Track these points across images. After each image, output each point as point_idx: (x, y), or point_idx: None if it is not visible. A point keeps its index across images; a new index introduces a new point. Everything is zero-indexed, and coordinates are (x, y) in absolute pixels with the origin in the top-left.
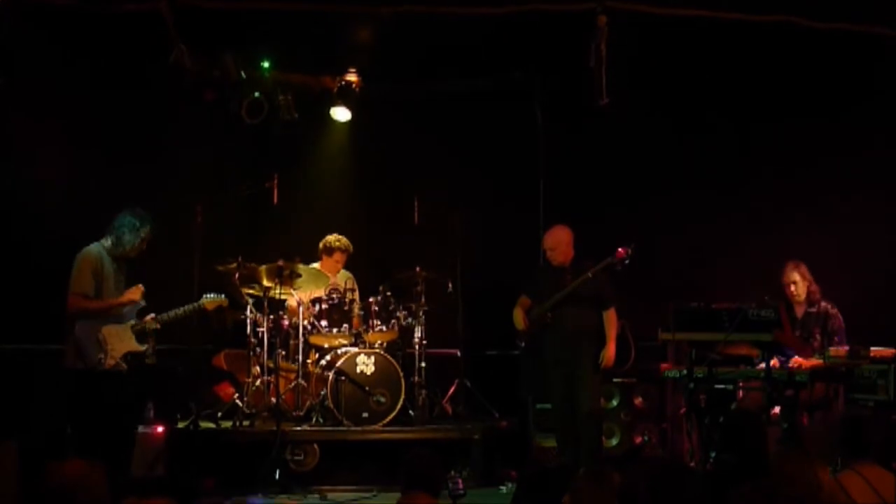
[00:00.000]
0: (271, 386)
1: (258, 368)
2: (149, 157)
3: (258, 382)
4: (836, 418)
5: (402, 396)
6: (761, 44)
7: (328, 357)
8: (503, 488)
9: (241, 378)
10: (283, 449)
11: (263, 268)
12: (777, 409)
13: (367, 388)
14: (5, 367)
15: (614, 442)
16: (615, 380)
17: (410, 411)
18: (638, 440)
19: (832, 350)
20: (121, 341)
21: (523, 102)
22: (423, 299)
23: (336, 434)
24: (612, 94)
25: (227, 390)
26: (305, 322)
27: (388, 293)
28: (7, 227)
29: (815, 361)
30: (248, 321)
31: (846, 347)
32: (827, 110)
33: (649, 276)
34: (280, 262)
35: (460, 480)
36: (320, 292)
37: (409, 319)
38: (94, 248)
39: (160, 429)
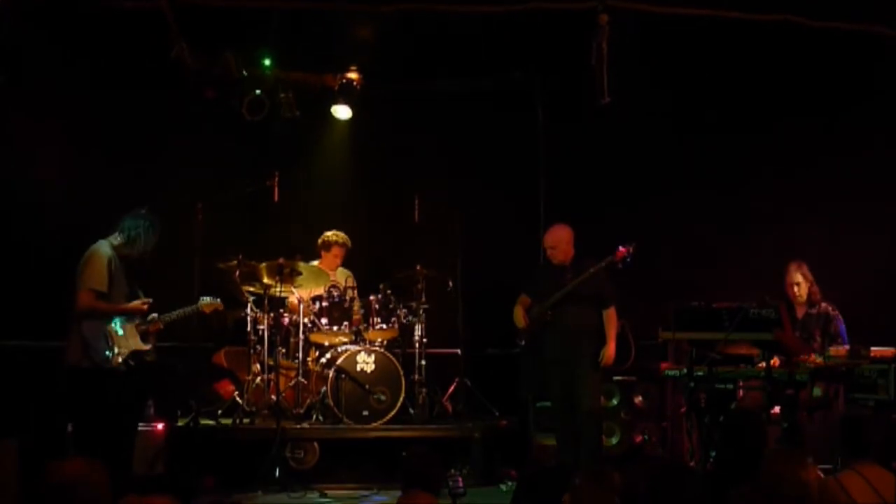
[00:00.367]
0: (271, 384)
1: (258, 366)
2: (149, 155)
3: (258, 380)
4: (836, 418)
5: (403, 395)
6: (761, 43)
7: (328, 355)
8: (503, 487)
9: (241, 376)
10: (283, 447)
11: (264, 265)
12: (777, 409)
13: (367, 387)
14: (5, 365)
15: (614, 441)
16: (615, 379)
17: (410, 410)
18: (638, 439)
19: (832, 350)
20: (126, 339)
21: (524, 101)
22: (423, 297)
23: (336, 432)
24: (612, 94)
25: (228, 388)
26: (306, 320)
27: (389, 291)
28: (7, 226)
29: (818, 362)
30: (249, 319)
31: (846, 347)
32: (827, 110)
33: (649, 275)
34: (280, 260)
35: (460, 479)
36: (321, 290)
37: (410, 318)
38: (104, 245)
39: (160, 426)
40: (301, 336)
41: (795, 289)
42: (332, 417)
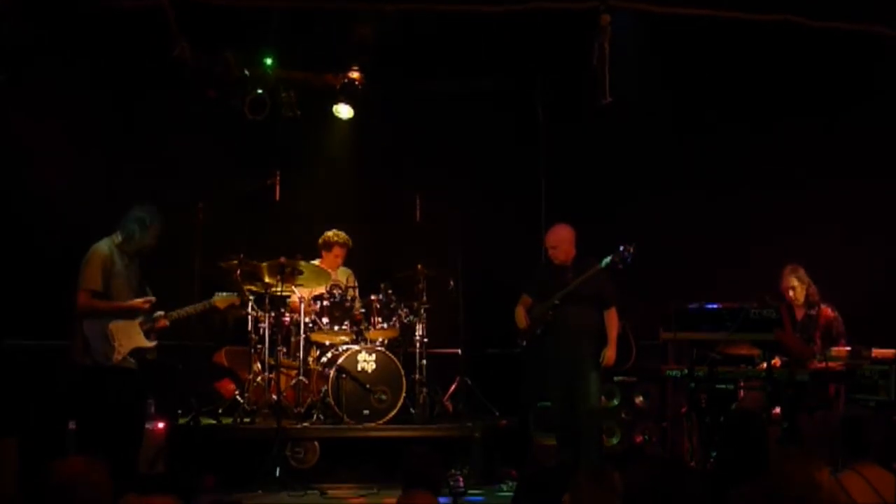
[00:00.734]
0: (272, 383)
1: (259, 365)
2: (150, 154)
3: (259, 379)
4: (836, 418)
5: (403, 394)
6: (762, 43)
7: (329, 354)
8: (503, 487)
9: (242, 375)
10: (284, 446)
11: (265, 265)
12: (777, 409)
13: (367, 386)
14: (6, 364)
15: (615, 441)
16: (616, 379)
17: (411, 409)
18: (638, 439)
19: (833, 350)
20: (128, 337)
21: (524, 101)
22: (424, 297)
23: (337, 431)
24: (613, 94)
25: (228, 387)
26: (307, 319)
27: (390, 291)
28: (9, 225)
29: (819, 364)
30: (250, 318)
31: (847, 348)
32: (827, 110)
33: (650, 275)
34: (282, 259)
35: (461, 479)
36: (322, 289)
37: (411, 317)
38: (104, 244)
39: (161, 425)
40: (302, 335)
41: (791, 293)
42: (332, 417)
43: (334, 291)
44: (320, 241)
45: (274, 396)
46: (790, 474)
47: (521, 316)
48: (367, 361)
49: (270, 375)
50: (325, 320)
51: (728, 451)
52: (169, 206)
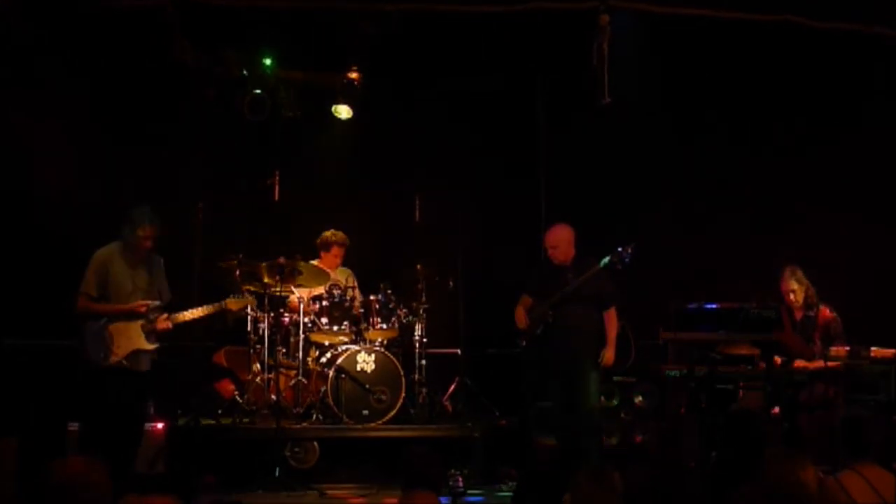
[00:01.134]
0: (271, 383)
1: (258, 365)
2: (150, 154)
3: (258, 379)
4: (836, 418)
5: (403, 394)
6: (762, 43)
7: (328, 354)
8: (503, 487)
9: (241, 375)
10: (283, 446)
11: (264, 265)
12: (777, 409)
13: (367, 386)
14: (6, 364)
15: (614, 441)
16: (616, 379)
17: (410, 409)
18: (638, 439)
19: (833, 350)
20: (128, 339)
21: (525, 101)
22: (423, 297)
23: (336, 432)
24: (613, 94)
25: (228, 387)
26: (306, 319)
27: (389, 291)
28: (9, 225)
29: (817, 363)
30: (249, 318)
31: (847, 348)
32: (826, 110)
33: (650, 275)
34: (281, 259)
35: (460, 479)
36: (321, 289)
37: (410, 317)
38: (106, 248)
39: (160, 425)
40: (301, 335)
41: (791, 296)
42: (332, 417)
43: (333, 291)
44: (318, 241)
45: (273, 397)
46: (778, 475)
47: (520, 316)
48: (366, 362)
49: (270, 376)
50: (324, 320)
51: (727, 451)
52: (169, 206)
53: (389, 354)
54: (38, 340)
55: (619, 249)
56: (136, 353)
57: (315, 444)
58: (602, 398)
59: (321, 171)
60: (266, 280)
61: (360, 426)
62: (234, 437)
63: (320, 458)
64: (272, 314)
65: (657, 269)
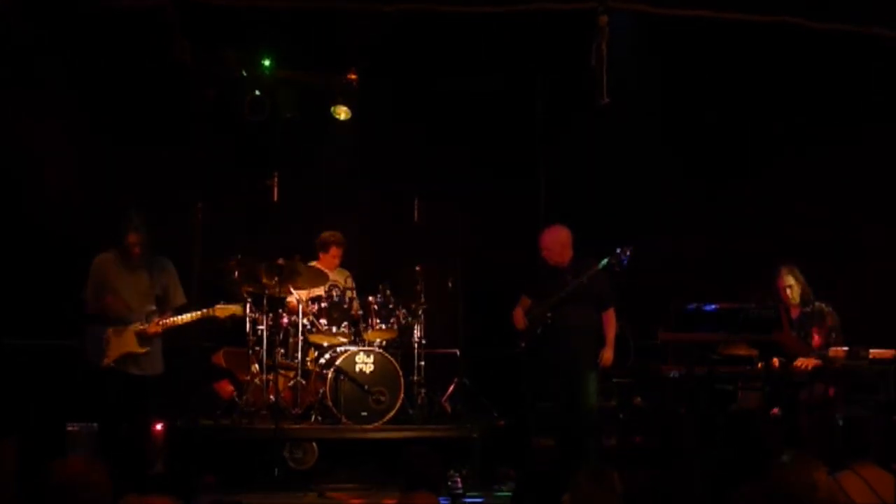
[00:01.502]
0: (270, 384)
1: (257, 366)
2: (150, 154)
3: (257, 380)
4: (835, 418)
5: (402, 395)
6: (761, 44)
7: (327, 355)
8: (502, 487)
9: (240, 376)
10: (282, 447)
11: (263, 265)
12: (777, 409)
13: (366, 387)
14: (6, 364)
15: (614, 441)
16: (615, 380)
17: (409, 410)
18: (638, 439)
19: (832, 350)
20: (121, 343)
21: (524, 101)
22: (422, 298)
23: (335, 432)
24: (612, 94)
25: (227, 388)
26: (305, 320)
27: (388, 291)
28: (9, 225)
29: (816, 361)
30: (248, 319)
31: (846, 348)
32: (826, 111)
33: (649, 275)
34: (280, 260)
35: (459, 479)
36: (320, 290)
37: (409, 318)
38: (102, 254)
39: (159, 426)
40: (300, 336)
41: (788, 291)
42: (330, 418)
43: (333, 292)
44: (317, 241)
45: (272, 397)
46: (789, 475)
47: (518, 317)
48: (365, 362)
49: (268, 376)
50: (323, 321)
51: (727, 451)
52: (167, 207)
53: (388, 355)
54: (38, 340)
55: (618, 251)
56: (127, 357)
57: (314, 444)
58: (601, 398)
59: (320, 172)
60: (265, 281)
61: (358, 427)
62: (233, 437)
63: (319, 459)
64: (271, 315)
65: (656, 269)
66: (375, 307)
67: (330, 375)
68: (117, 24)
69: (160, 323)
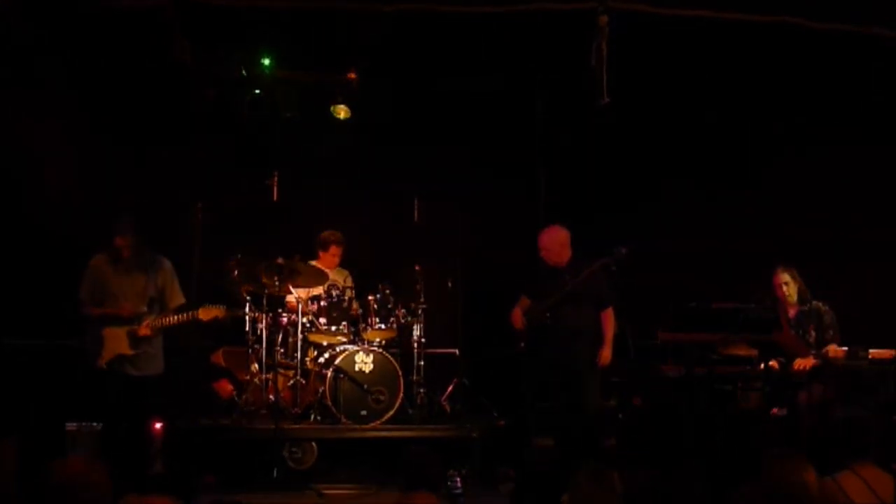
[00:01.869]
0: (270, 383)
1: (256, 366)
2: (150, 154)
3: (256, 380)
4: (835, 419)
5: (401, 395)
6: (761, 44)
7: (327, 355)
8: (502, 488)
9: (239, 375)
10: (282, 446)
11: (263, 265)
12: (776, 409)
13: (365, 387)
14: (6, 364)
15: (613, 442)
16: (614, 380)
17: (409, 410)
18: (637, 440)
19: (832, 351)
20: (115, 344)
21: (524, 101)
22: (422, 298)
23: (334, 432)
24: (612, 94)
25: (226, 387)
26: (304, 319)
27: (388, 291)
28: (9, 225)
29: (815, 362)
30: (248, 318)
31: (845, 349)
32: (826, 110)
33: (649, 275)
34: (279, 260)
35: (458, 479)
36: (319, 290)
37: (408, 318)
38: (98, 255)
39: (158, 426)
40: (299, 336)
41: (785, 288)
42: (330, 417)
43: (332, 292)
44: (317, 241)
45: (271, 397)
46: (780, 475)
47: (517, 317)
48: (364, 362)
49: (268, 376)
50: (322, 321)
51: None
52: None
53: (388, 355)
54: (38, 340)
55: (615, 251)
56: (120, 358)
57: (313, 444)
58: (601, 398)
59: (320, 172)
60: (264, 280)
61: (358, 426)
62: (233, 437)
63: (318, 459)
64: (270, 314)
65: (656, 269)
66: (375, 307)
67: (329, 375)
68: (117, 24)
69: (149, 325)
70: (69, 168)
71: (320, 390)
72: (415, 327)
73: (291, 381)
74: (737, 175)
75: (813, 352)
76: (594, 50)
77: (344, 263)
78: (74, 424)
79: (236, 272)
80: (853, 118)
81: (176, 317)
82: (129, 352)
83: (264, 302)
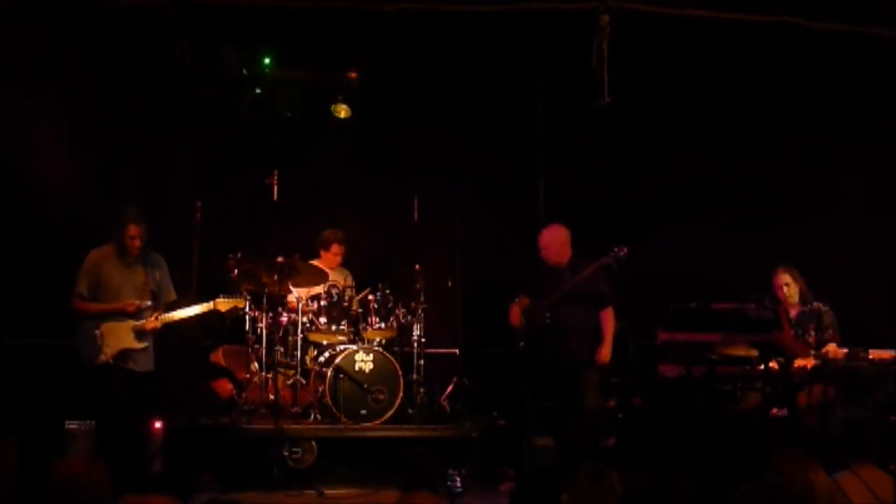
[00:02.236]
0: (269, 382)
1: (256, 365)
2: (149, 153)
3: (256, 379)
4: (835, 419)
5: (401, 394)
6: (761, 44)
7: (327, 354)
8: (501, 487)
9: (239, 374)
10: (281, 446)
11: (262, 264)
12: (776, 410)
13: (365, 386)
14: (5, 363)
15: (613, 441)
16: (613, 380)
17: (409, 409)
18: (637, 440)
19: (832, 351)
20: (118, 339)
21: (524, 101)
22: (421, 297)
23: (334, 431)
24: (613, 94)
25: (225, 387)
26: (304, 319)
27: (387, 291)
28: (8, 224)
29: (815, 362)
30: (247, 317)
31: (846, 349)
32: (826, 110)
33: (648, 275)
34: (279, 259)
35: (458, 479)
36: (320, 289)
37: (408, 317)
38: (99, 249)
39: (158, 425)
40: (299, 335)
41: (785, 289)
42: (330, 417)
43: (332, 291)
44: (318, 240)
45: (271, 396)
46: (788, 476)
47: (515, 313)
48: (364, 361)
49: (268, 375)
50: (322, 320)
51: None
52: (167, 205)
53: (388, 354)
54: (37, 339)
55: (615, 250)
56: (125, 353)
57: (313, 443)
58: (600, 398)
59: (320, 171)
60: (264, 279)
61: (358, 426)
62: (232, 436)
63: (318, 458)
64: (270, 313)
65: (656, 269)
66: (375, 306)
67: (329, 374)
68: (117, 24)
69: (159, 318)
70: (68, 167)
71: (320, 389)
72: (415, 327)
73: (291, 381)
74: (737, 174)
75: (813, 352)
76: (595, 49)
77: (344, 263)
78: (75, 423)
79: (236, 271)
80: (853, 118)
81: (191, 309)
82: (137, 346)
83: (264, 301)
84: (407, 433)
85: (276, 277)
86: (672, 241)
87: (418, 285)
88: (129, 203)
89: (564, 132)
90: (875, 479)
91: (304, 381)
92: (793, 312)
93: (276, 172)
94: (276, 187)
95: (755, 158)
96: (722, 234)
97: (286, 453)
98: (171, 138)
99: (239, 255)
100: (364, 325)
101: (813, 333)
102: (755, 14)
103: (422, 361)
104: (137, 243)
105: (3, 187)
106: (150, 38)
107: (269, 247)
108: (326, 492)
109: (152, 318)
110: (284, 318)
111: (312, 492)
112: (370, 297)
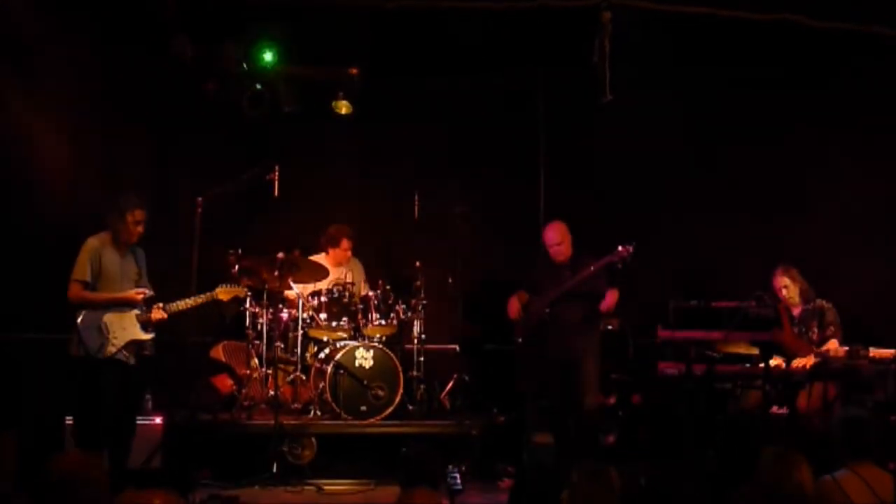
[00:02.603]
0: (269, 378)
1: (256, 361)
2: (149, 148)
3: (256, 375)
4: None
5: (401, 390)
6: (761, 43)
7: (327, 350)
8: (501, 484)
9: (239, 370)
10: (281, 441)
11: (263, 260)
12: (776, 409)
13: (365, 382)
14: (3, 358)
15: (612, 439)
16: (613, 377)
17: (409, 405)
18: (636, 438)
19: (832, 350)
20: (123, 329)
21: (525, 98)
22: (422, 294)
23: (334, 427)
24: (614, 91)
25: (226, 382)
26: (304, 315)
27: (388, 287)
28: (5, 217)
29: (815, 360)
30: (248, 313)
31: (846, 348)
32: (826, 110)
33: (649, 274)
34: (279, 255)
35: (458, 475)
36: (321, 285)
37: (409, 314)
38: (95, 237)
39: (158, 420)
40: (300, 331)
41: (785, 291)
42: (330, 413)
43: (334, 289)
44: (326, 237)
45: (271, 392)
46: (776, 475)
47: (513, 306)
48: (364, 358)
49: (268, 371)
50: (322, 316)
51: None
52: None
53: (388, 351)
54: (35, 334)
55: (620, 249)
56: (133, 344)
57: (313, 439)
58: (600, 396)
59: (321, 167)
60: (264, 275)
61: (357, 422)
62: (232, 432)
63: (318, 454)
64: (271, 309)
65: (656, 267)
66: (375, 303)
67: (329, 370)
68: (117, 19)
69: (165, 308)
70: (68, 162)
71: (320, 386)
72: (415, 323)
73: (291, 377)
74: (736, 174)
75: (814, 350)
76: (596, 47)
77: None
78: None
79: (236, 267)
80: (853, 118)
81: (193, 299)
82: (144, 336)
83: (264, 297)
84: (407, 430)
85: (276, 273)
86: (672, 240)
87: (418, 282)
88: (127, 192)
89: (566, 129)
90: (875, 479)
91: (304, 378)
92: (796, 311)
93: (276, 168)
94: (276, 183)
95: (756, 157)
96: (722, 233)
97: (286, 449)
98: (172, 134)
99: (239, 251)
100: (364, 321)
101: (816, 331)
102: (755, 12)
103: (422, 358)
104: (140, 229)
105: (2, 183)
106: (150, 32)
107: (270, 243)
108: (326, 488)
109: (157, 309)
110: (285, 315)
111: (312, 488)
112: (370, 293)
